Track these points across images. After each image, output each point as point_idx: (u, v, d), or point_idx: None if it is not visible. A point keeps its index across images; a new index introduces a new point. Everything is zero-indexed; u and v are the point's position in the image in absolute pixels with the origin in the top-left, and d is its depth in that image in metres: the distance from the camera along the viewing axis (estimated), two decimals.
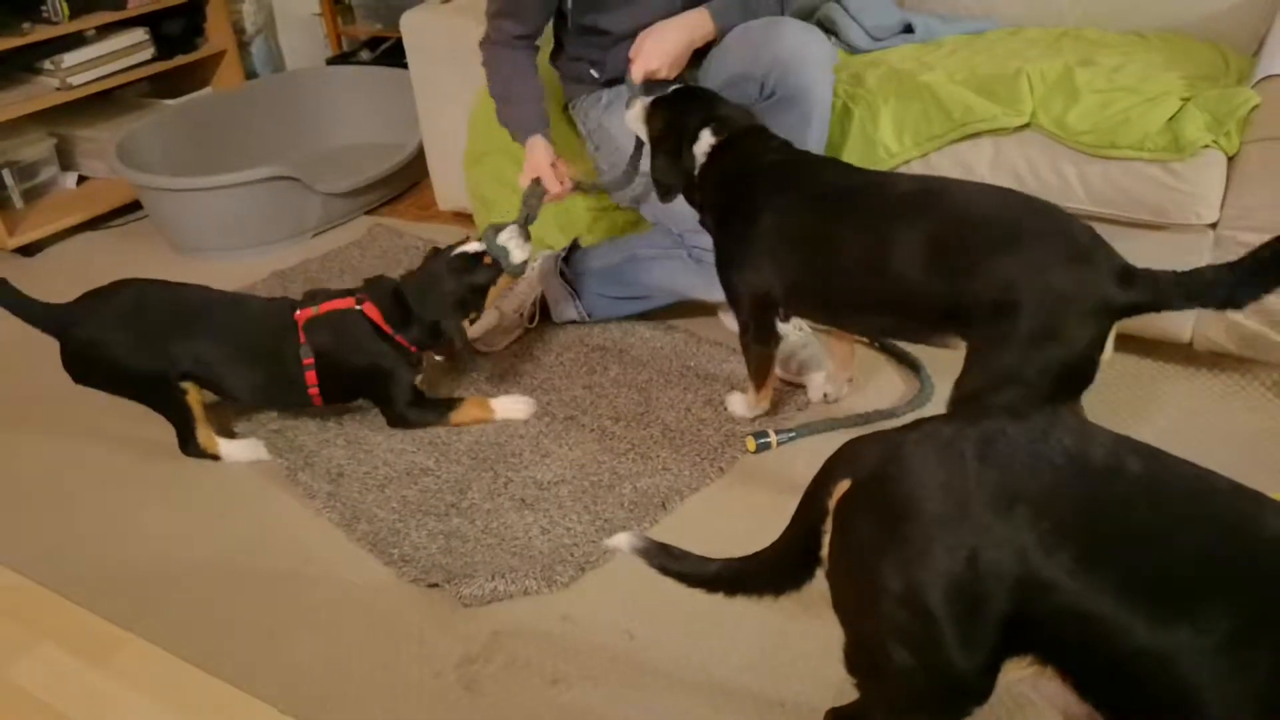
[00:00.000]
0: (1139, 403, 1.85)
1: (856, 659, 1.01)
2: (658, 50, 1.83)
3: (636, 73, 1.83)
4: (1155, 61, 1.95)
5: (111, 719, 1.42)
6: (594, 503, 1.71)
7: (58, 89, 2.83)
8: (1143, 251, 1.82)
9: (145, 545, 1.73)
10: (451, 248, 1.91)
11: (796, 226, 1.59)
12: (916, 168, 1.93)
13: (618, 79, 1.99)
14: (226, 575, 1.65)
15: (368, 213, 2.89)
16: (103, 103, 3.10)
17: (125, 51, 2.96)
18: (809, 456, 1.74)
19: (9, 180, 2.89)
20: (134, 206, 2.92)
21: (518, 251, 1.88)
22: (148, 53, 3.03)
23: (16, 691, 1.48)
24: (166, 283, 1.90)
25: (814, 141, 1.85)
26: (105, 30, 2.94)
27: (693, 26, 1.86)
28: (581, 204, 2.29)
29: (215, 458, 1.88)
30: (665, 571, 1.16)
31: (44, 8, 2.76)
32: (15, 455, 1.89)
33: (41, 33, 2.75)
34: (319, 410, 1.99)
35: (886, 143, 1.94)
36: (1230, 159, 1.72)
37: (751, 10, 1.89)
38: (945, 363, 1.95)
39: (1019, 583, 0.88)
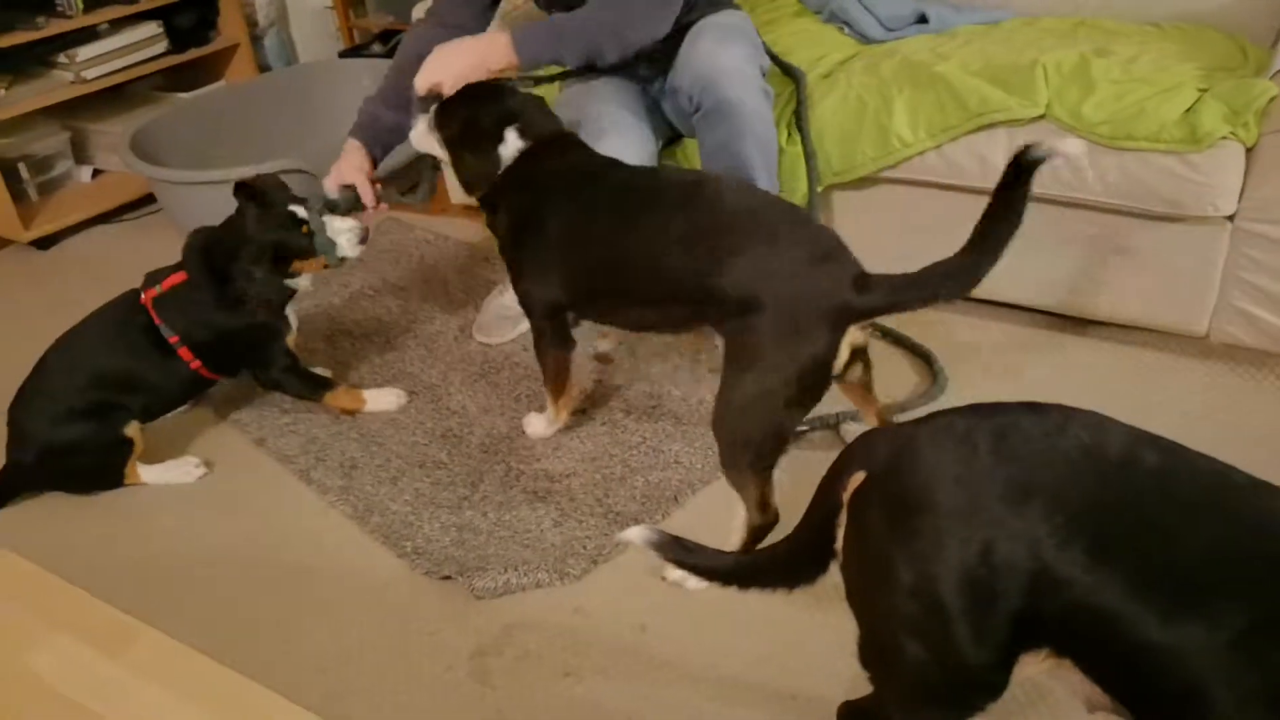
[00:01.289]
0: (1153, 396, 1.83)
1: (870, 652, 1.01)
2: (442, 64, 1.72)
3: (420, 84, 1.73)
4: (1172, 52, 1.94)
5: (126, 709, 1.43)
6: (605, 496, 1.71)
7: (72, 82, 2.84)
8: (1159, 244, 1.82)
9: (161, 538, 1.74)
10: (270, 195, 1.82)
11: (572, 230, 1.60)
12: (931, 159, 1.92)
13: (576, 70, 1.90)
14: (240, 568, 1.65)
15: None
16: (116, 96, 3.11)
17: (139, 45, 2.97)
18: (821, 450, 1.75)
19: (24, 173, 2.91)
20: (148, 200, 2.94)
21: (348, 247, 1.83)
22: (161, 46, 3.03)
23: (33, 680, 1.49)
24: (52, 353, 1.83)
25: (757, 155, 1.82)
26: (119, 24, 2.94)
27: (485, 49, 1.73)
28: None
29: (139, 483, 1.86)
30: (679, 565, 1.16)
31: (58, 2, 2.77)
32: None
33: (55, 26, 2.76)
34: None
35: (901, 133, 1.92)
36: (1248, 150, 1.70)
37: (569, 45, 1.75)
38: (958, 354, 1.95)
39: (1033, 577, 0.88)
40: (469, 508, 1.71)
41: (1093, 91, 1.79)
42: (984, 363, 1.96)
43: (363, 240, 1.85)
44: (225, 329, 1.83)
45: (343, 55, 3.52)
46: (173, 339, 1.80)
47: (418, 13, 2.46)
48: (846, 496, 1.00)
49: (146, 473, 1.85)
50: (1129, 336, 1.97)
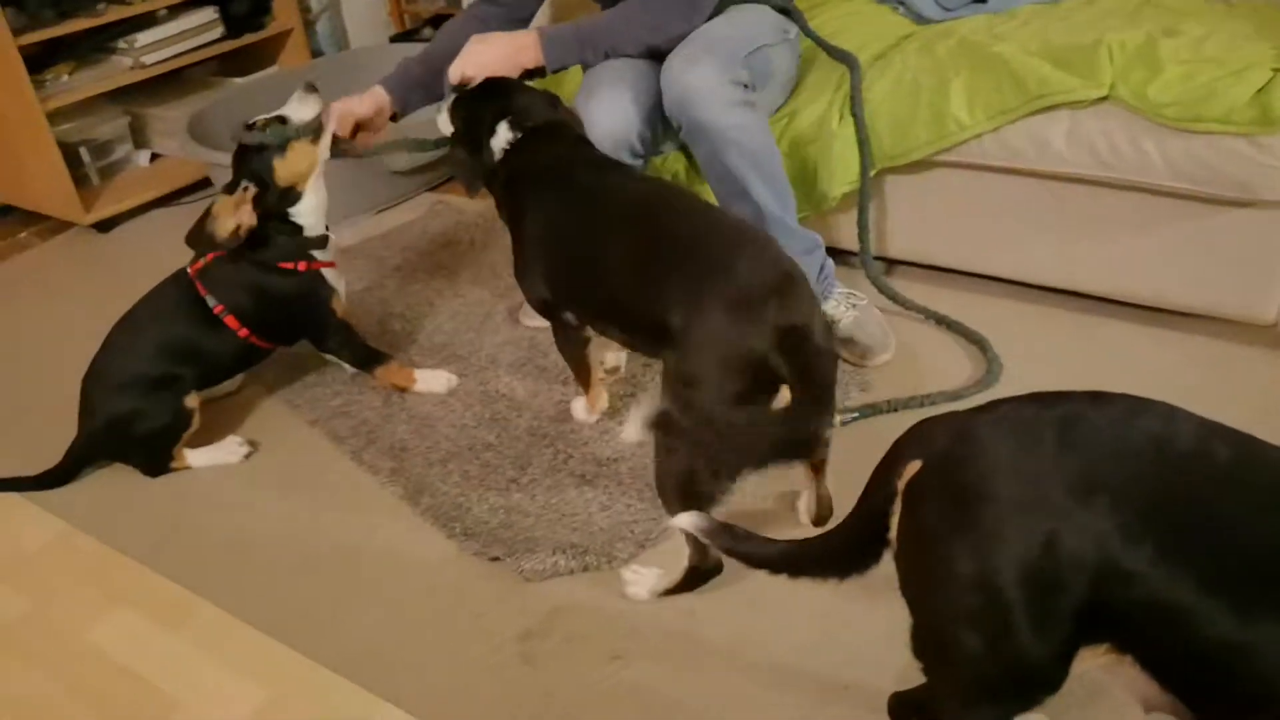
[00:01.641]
0: (1217, 387, 1.78)
1: (924, 643, 0.99)
2: (474, 58, 1.77)
3: (452, 74, 1.79)
4: (1243, 31, 1.86)
5: (184, 681, 1.47)
6: (653, 480, 1.71)
7: (131, 68, 2.89)
8: (1226, 229, 1.77)
9: (217, 516, 1.77)
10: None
11: (545, 229, 1.59)
12: (988, 142, 1.88)
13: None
14: (294, 546, 1.68)
15: (429, 190, 2.91)
16: (173, 82, 3.16)
17: (195, 30, 3.01)
18: (871, 437, 1.72)
19: (85, 157, 2.97)
20: (205, 184, 2.98)
21: (296, 108, 1.80)
22: (217, 32, 3.08)
23: (95, 652, 1.53)
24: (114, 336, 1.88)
25: (746, 166, 1.78)
26: (176, 10, 2.99)
27: (518, 47, 1.79)
28: None
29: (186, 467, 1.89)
30: (729, 552, 1.15)
31: None
32: None
33: (115, 13, 2.81)
34: (381, 386, 2.01)
35: (958, 116, 1.88)
36: None
37: (592, 49, 1.83)
38: (1013, 341, 1.91)
39: (1097, 571, 0.86)
40: (517, 490, 1.72)
41: (1160, 72, 1.74)
42: (1039, 350, 1.92)
43: (309, 90, 1.82)
44: (264, 291, 1.85)
45: (394, 40, 3.55)
46: (217, 309, 1.84)
47: None
48: (901, 485, 0.99)
49: (193, 457, 1.88)
50: (1192, 325, 1.92)
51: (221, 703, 1.43)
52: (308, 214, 1.85)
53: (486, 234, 2.61)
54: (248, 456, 1.90)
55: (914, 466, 0.97)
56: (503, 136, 1.68)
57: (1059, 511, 0.87)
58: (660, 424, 1.30)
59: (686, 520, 1.15)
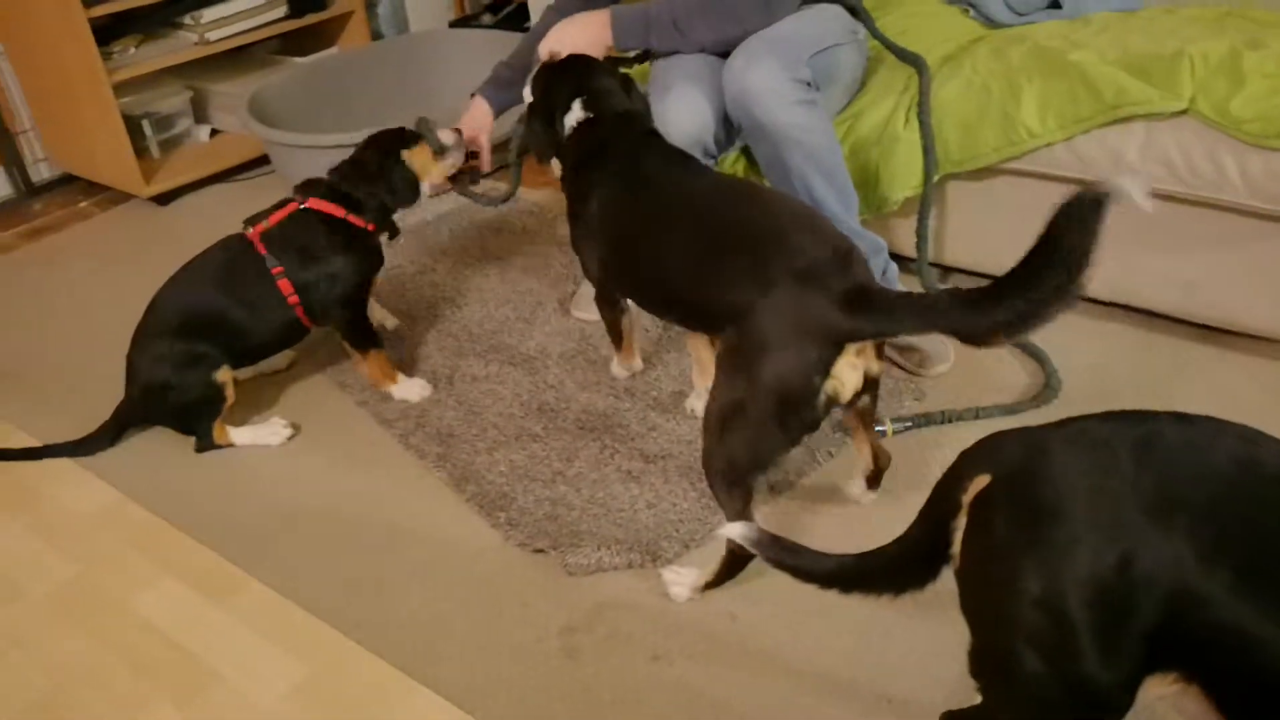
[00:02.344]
0: None
1: (984, 662, 0.97)
2: (564, 37, 1.82)
3: (542, 51, 1.84)
4: None
5: (226, 653, 1.48)
6: (700, 479, 1.69)
7: (196, 43, 2.93)
8: None
9: (266, 493, 1.78)
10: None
11: (609, 212, 1.61)
12: (1059, 151, 1.83)
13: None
14: (340, 527, 1.69)
15: (485, 175, 2.90)
16: (236, 59, 3.19)
17: (260, 9, 3.04)
18: (924, 448, 1.69)
19: (148, 130, 3.01)
20: (262, 161, 3.01)
21: (445, 136, 1.98)
22: (280, 10, 3.10)
23: (139, 619, 1.55)
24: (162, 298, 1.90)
25: (808, 166, 1.77)
26: None
27: (601, 24, 1.84)
28: None
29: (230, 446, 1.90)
30: (779, 566, 1.12)
31: None
32: None
33: None
34: (430, 372, 2.01)
35: (1028, 123, 1.84)
36: None
37: (658, 35, 1.85)
38: (1075, 357, 1.86)
39: (1171, 595, 0.83)
40: (563, 483, 1.71)
41: (1242, 86, 1.68)
42: (1100, 367, 1.87)
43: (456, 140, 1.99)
44: (328, 249, 1.86)
45: (453, 25, 3.55)
46: (276, 269, 1.84)
47: None
48: (967, 499, 0.96)
49: (236, 435, 1.90)
50: (1260, 347, 1.86)
51: (261, 677, 1.43)
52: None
53: (539, 221, 2.60)
54: (290, 439, 1.90)
55: (982, 480, 0.95)
56: (575, 114, 1.70)
57: (1134, 532, 0.84)
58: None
59: (735, 530, 1.14)
